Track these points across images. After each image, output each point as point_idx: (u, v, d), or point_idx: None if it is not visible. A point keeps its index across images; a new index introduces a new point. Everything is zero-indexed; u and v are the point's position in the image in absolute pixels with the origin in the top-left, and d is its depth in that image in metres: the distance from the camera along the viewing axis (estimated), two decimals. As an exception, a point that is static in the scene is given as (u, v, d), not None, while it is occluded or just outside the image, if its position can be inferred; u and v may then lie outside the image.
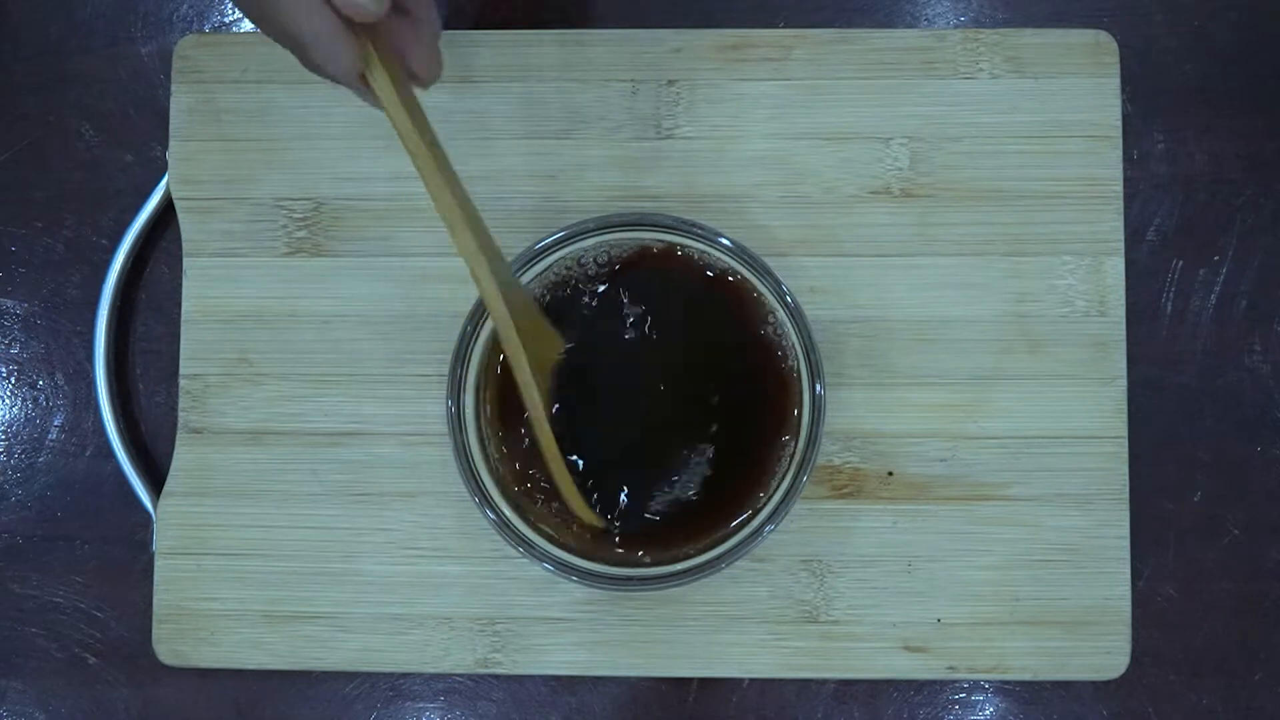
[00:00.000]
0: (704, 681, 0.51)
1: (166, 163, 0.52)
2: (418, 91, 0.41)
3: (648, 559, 0.47)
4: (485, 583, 0.50)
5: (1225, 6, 0.53)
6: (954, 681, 0.51)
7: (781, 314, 0.47)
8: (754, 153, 0.51)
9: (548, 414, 0.44)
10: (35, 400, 0.54)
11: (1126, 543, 0.50)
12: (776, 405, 0.47)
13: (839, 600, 0.50)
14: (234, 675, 0.51)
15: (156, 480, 0.51)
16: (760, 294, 0.47)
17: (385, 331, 0.51)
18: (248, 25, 0.54)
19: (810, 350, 0.46)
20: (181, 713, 0.52)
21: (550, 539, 0.46)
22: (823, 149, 0.51)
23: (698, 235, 0.47)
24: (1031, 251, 0.51)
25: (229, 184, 0.52)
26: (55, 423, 0.53)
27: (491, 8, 0.53)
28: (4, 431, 0.54)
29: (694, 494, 0.47)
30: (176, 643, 0.50)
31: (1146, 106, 0.53)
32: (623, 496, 0.47)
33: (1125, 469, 0.50)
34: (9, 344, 0.54)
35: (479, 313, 0.47)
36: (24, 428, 0.54)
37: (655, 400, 0.47)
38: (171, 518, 0.51)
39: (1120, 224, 0.51)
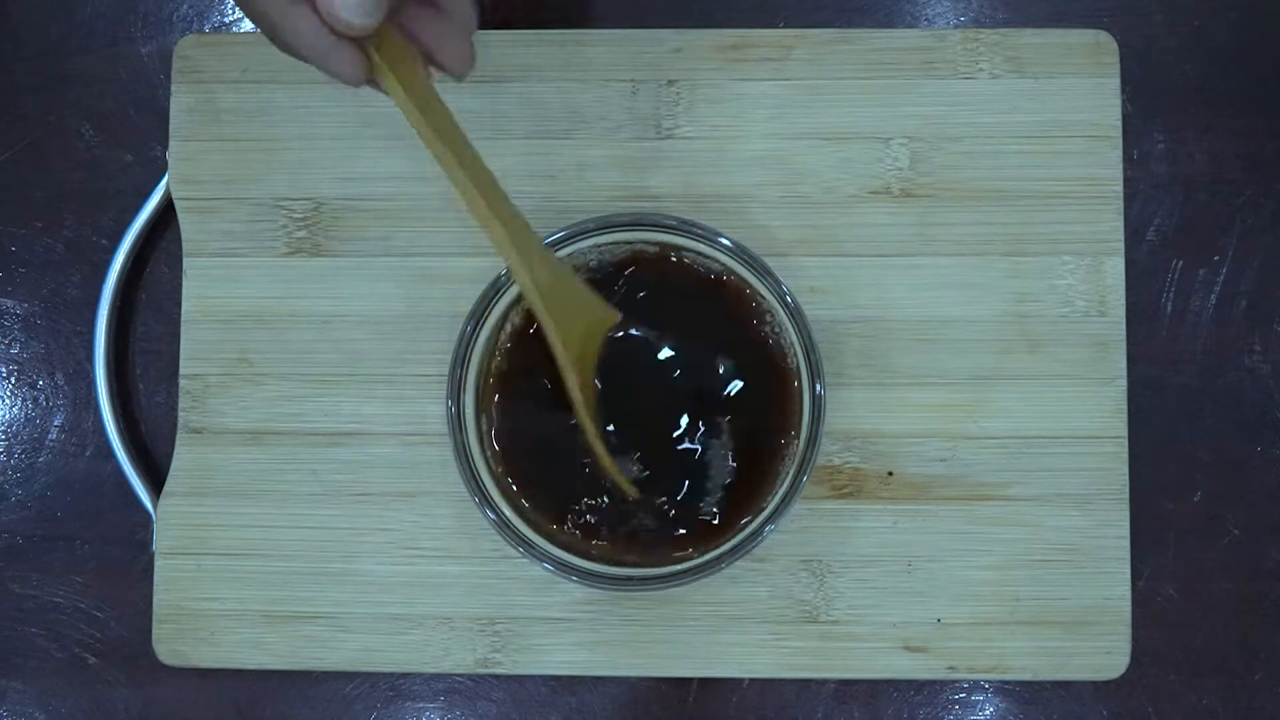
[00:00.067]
0: (704, 681, 0.51)
1: (166, 163, 0.52)
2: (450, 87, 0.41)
3: (644, 559, 0.47)
4: (485, 583, 0.50)
5: (1225, 6, 0.53)
6: (954, 681, 0.51)
7: (781, 314, 0.47)
8: (754, 153, 0.51)
9: (586, 381, 0.45)
10: (35, 400, 0.54)
11: (1126, 543, 0.50)
12: (776, 405, 0.47)
13: (839, 600, 0.50)
14: (234, 675, 0.51)
15: (156, 480, 0.51)
16: (759, 294, 0.47)
17: (385, 331, 0.51)
18: (248, 25, 0.54)
19: (810, 350, 0.46)
20: (181, 713, 0.52)
21: (550, 537, 0.47)
22: (823, 149, 0.51)
23: (698, 235, 0.47)
24: (1031, 251, 0.51)
25: (229, 184, 0.52)
26: (55, 423, 0.53)
27: (491, 8, 0.53)
28: (4, 431, 0.54)
29: (695, 496, 0.47)
30: (176, 643, 0.50)
31: (1146, 106, 0.53)
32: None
33: (1125, 469, 0.50)
34: (9, 344, 0.54)
35: (479, 312, 0.47)
36: (24, 428, 0.54)
37: (654, 400, 0.47)
38: (171, 518, 0.51)
39: (1120, 224, 0.51)
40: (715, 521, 0.47)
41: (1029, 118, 0.51)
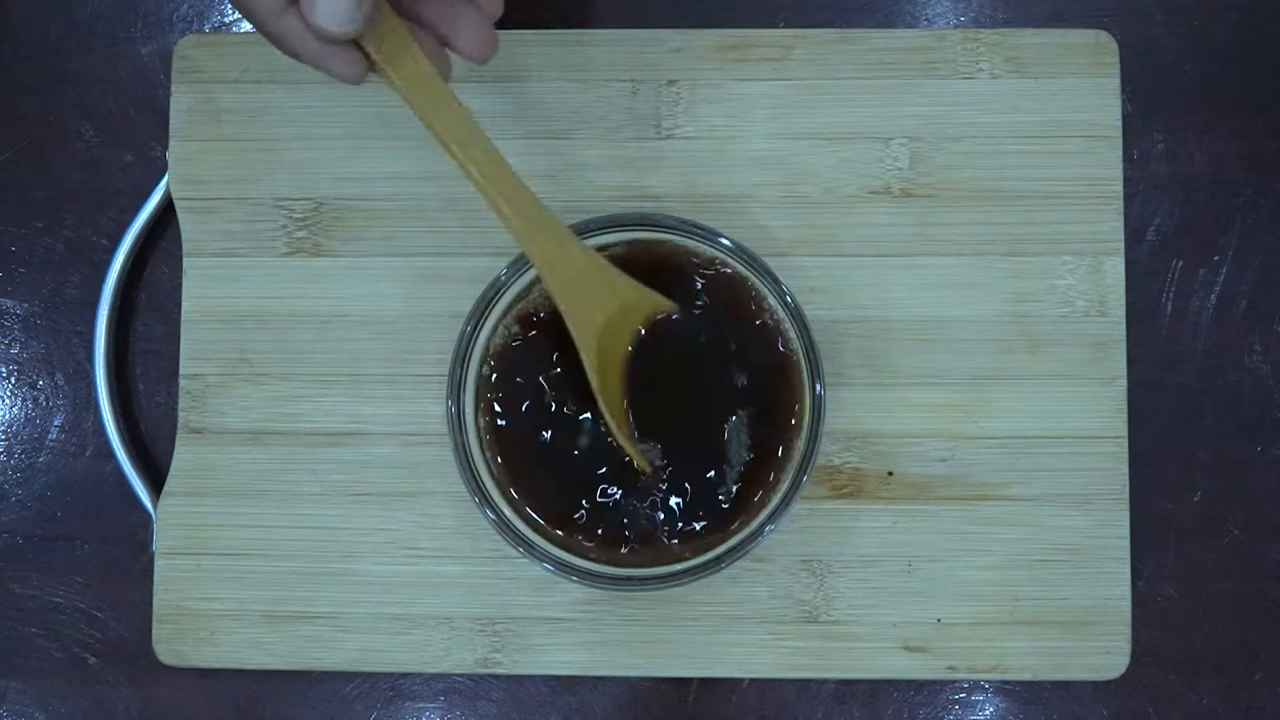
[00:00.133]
0: (704, 681, 0.51)
1: (166, 163, 0.52)
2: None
3: (644, 558, 0.47)
4: (485, 583, 0.50)
5: (1225, 6, 0.53)
6: (954, 681, 0.51)
7: (782, 314, 0.47)
8: (754, 153, 0.51)
9: (606, 363, 0.45)
10: (35, 400, 0.54)
11: (1126, 543, 0.50)
12: (776, 405, 0.47)
13: (839, 600, 0.50)
14: (234, 675, 0.51)
15: (156, 480, 0.51)
16: (760, 294, 0.47)
17: (385, 331, 0.51)
18: (248, 25, 0.54)
19: (810, 350, 0.46)
20: (181, 713, 0.52)
21: (552, 539, 0.47)
22: (823, 149, 0.51)
23: (698, 235, 0.47)
24: (1031, 251, 0.51)
25: (229, 184, 0.52)
26: (55, 423, 0.53)
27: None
28: (4, 431, 0.54)
29: (696, 494, 0.47)
30: (176, 643, 0.50)
31: (1146, 106, 0.53)
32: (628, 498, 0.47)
33: (1125, 469, 0.50)
34: (9, 344, 0.54)
35: (479, 312, 0.47)
36: (24, 428, 0.54)
37: (653, 401, 0.47)
38: (171, 518, 0.51)
39: (1120, 224, 0.51)
40: (715, 522, 0.47)
41: (1029, 118, 0.51)
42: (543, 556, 0.46)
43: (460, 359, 0.46)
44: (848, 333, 0.50)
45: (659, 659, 0.50)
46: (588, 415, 0.47)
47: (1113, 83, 0.51)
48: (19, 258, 0.54)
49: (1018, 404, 0.50)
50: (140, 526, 0.52)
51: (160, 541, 0.51)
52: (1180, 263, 0.52)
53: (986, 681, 0.51)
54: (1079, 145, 0.51)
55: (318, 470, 0.51)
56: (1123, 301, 0.50)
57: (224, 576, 0.50)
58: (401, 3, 0.41)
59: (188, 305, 0.51)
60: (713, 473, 0.46)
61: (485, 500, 0.46)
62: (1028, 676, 0.50)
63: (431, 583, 0.50)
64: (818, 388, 0.46)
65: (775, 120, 0.51)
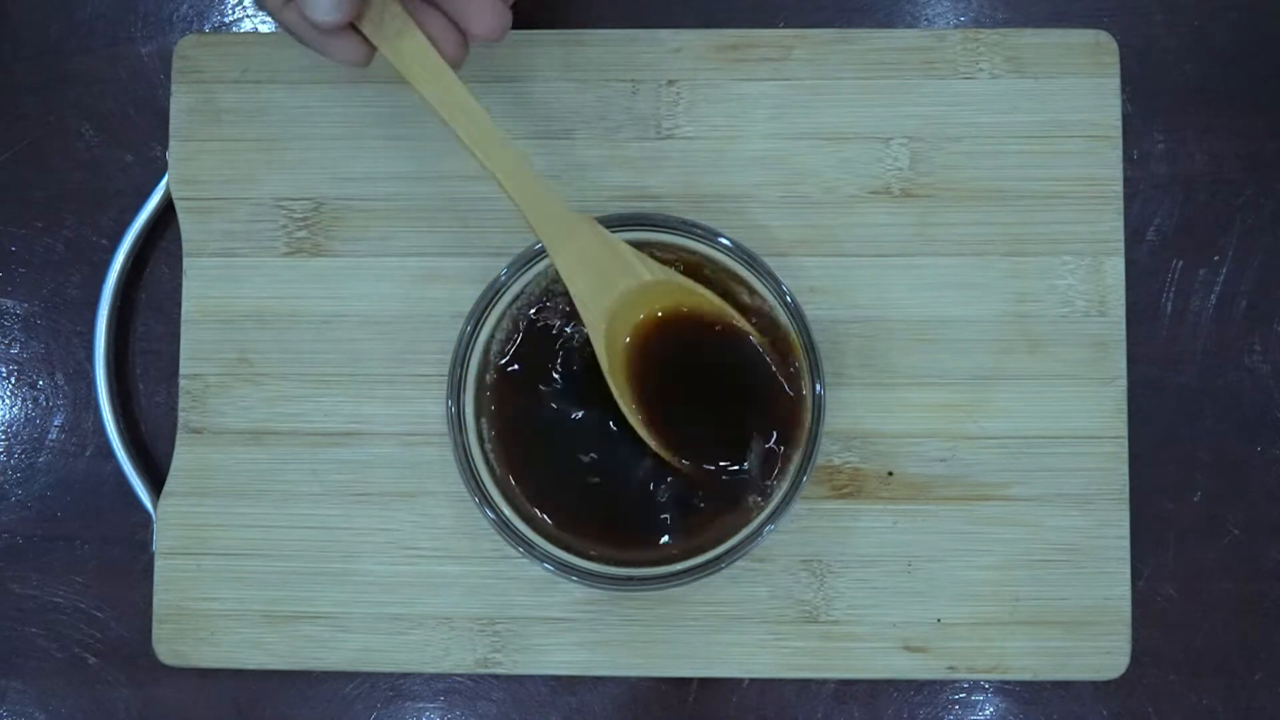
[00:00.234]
0: (704, 681, 0.51)
1: (166, 163, 0.52)
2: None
3: (644, 557, 0.47)
4: (485, 583, 0.50)
5: (1225, 6, 0.53)
6: (954, 681, 0.51)
7: (781, 314, 0.47)
8: (754, 153, 0.51)
9: (607, 343, 0.45)
10: (35, 400, 0.54)
11: (1126, 543, 0.50)
12: (776, 405, 0.47)
13: (839, 600, 0.50)
14: (234, 675, 0.51)
15: (156, 480, 0.51)
16: (759, 293, 0.47)
17: (385, 331, 0.51)
18: (248, 25, 0.54)
19: (810, 350, 0.46)
20: (181, 713, 0.52)
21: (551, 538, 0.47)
22: (823, 149, 0.51)
23: (698, 235, 0.47)
24: (1031, 251, 0.51)
25: (229, 184, 0.52)
26: (55, 423, 0.53)
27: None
28: (4, 431, 0.54)
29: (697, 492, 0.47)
30: (176, 643, 0.50)
31: (1146, 106, 0.53)
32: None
33: (1125, 469, 0.50)
34: (9, 344, 0.54)
35: (479, 312, 0.47)
36: (24, 428, 0.54)
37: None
38: (171, 518, 0.51)
39: (1120, 224, 0.51)
40: (716, 520, 0.47)
41: (1029, 118, 0.51)
42: (543, 556, 0.46)
43: (460, 359, 0.46)
44: (848, 333, 0.50)
45: (659, 659, 0.50)
46: (588, 415, 0.47)
47: (1113, 83, 0.51)
48: (19, 258, 0.54)
49: (1018, 404, 0.50)
50: (140, 526, 0.52)
51: (160, 541, 0.51)
52: (1180, 263, 0.52)
53: (986, 681, 0.51)
54: (1079, 145, 0.51)
55: (318, 470, 0.51)
56: (1123, 301, 0.50)
57: (224, 576, 0.50)
58: None
59: (188, 305, 0.51)
60: (714, 470, 0.46)
61: (485, 500, 0.46)
62: (1028, 676, 0.50)
63: (431, 583, 0.50)
64: (818, 388, 0.46)
65: (775, 120, 0.51)
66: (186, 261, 0.51)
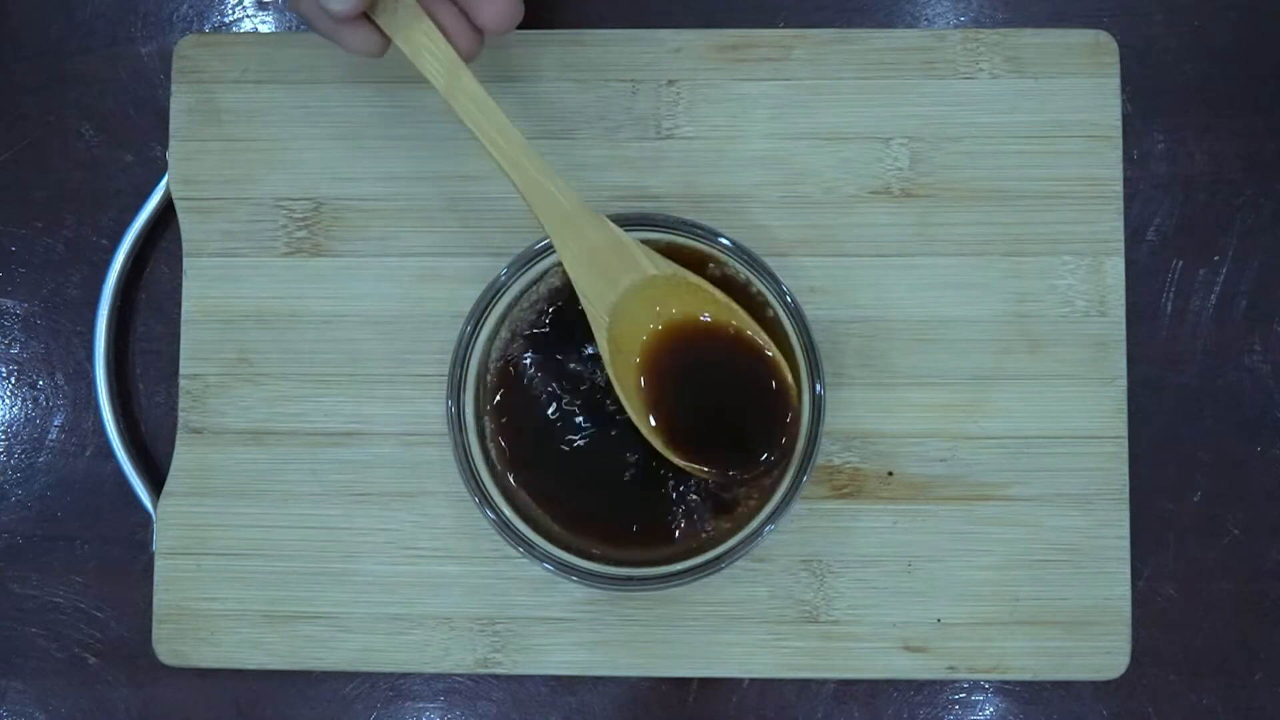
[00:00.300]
0: (704, 681, 0.51)
1: (166, 163, 0.52)
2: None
3: (644, 557, 0.46)
4: (485, 583, 0.50)
5: (1225, 6, 0.53)
6: (954, 681, 0.51)
7: (781, 314, 0.47)
8: (754, 153, 0.51)
9: (619, 346, 0.45)
10: (35, 400, 0.54)
11: (1126, 543, 0.50)
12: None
13: (839, 600, 0.50)
14: (234, 675, 0.51)
15: (156, 480, 0.51)
16: (759, 293, 0.47)
17: (385, 331, 0.51)
18: (248, 25, 0.54)
19: (810, 350, 0.46)
20: (181, 713, 0.52)
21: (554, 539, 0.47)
22: (823, 149, 0.51)
23: (698, 235, 0.47)
24: (1031, 251, 0.51)
25: (229, 184, 0.52)
26: (55, 423, 0.53)
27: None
28: (4, 431, 0.54)
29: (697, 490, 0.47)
30: (176, 643, 0.50)
31: (1146, 106, 0.53)
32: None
33: (1125, 469, 0.50)
34: (9, 344, 0.54)
35: (479, 312, 0.47)
36: (24, 428, 0.54)
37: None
38: (171, 518, 0.51)
39: (1120, 224, 0.51)
40: (716, 520, 0.47)
41: (1029, 118, 0.51)
42: (543, 556, 0.46)
43: (460, 359, 0.46)
44: (848, 333, 0.50)
45: (659, 659, 0.50)
46: (590, 414, 0.47)
47: (1113, 83, 0.51)
48: (19, 258, 0.54)
49: (1018, 404, 0.50)
50: (140, 526, 0.52)
51: (160, 541, 0.51)
52: (1180, 263, 0.52)
53: (986, 681, 0.51)
54: (1079, 145, 0.51)
55: (318, 470, 0.51)
56: (1123, 301, 0.50)
57: (224, 576, 0.50)
58: None
59: (188, 305, 0.51)
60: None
61: (485, 500, 0.46)
62: (1028, 676, 0.50)
63: (431, 583, 0.50)
64: (818, 388, 0.46)
65: (775, 120, 0.51)
66: (186, 261, 0.51)
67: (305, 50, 0.52)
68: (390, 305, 0.51)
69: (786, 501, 0.46)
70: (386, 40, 0.43)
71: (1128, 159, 0.51)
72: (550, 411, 0.47)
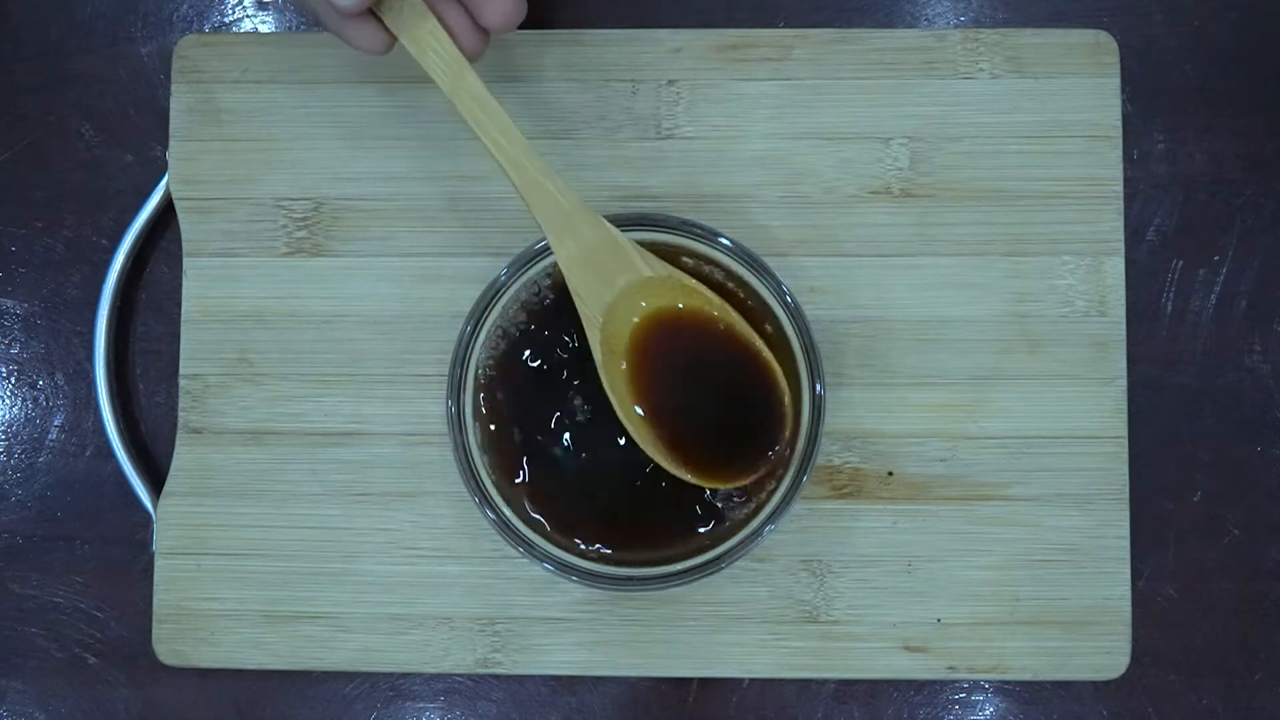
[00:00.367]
0: (704, 681, 0.51)
1: (166, 163, 0.52)
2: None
3: (644, 556, 0.46)
4: (485, 583, 0.50)
5: (1225, 6, 0.53)
6: (954, 681, 0.51)
7: (781, 314, 0.47)
8: (754, 153, 0.51)
9: (611, 347, 0.45)
10: (35, 400, 0.54)
11: (1126, 543, 0.50)
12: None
13: (839, 600, 0.50)
14: (234, 675, 0.51)
15: (156, 480, 0.51)
16: (759, 293, 0.47)
17: (385, 331, 0.51)
18: (248, 25, 0.54)
19: (810, 350, 0.46)
20: (181, 713, 0.52)
21: (556, 542, 0.47)
22: (823, 149, 0.51)
23: (698, 235, 0.47)
24: (1031, 251, 0.51)
25: (229, 184, 0.52)
26: (55, 423, 0.53)
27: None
28: (4, 431, 0.54)
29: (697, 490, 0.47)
30: (176, 643, 0.50)
31: (1146, 106, 0.53)
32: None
33: (1125, 469, 0.50)
34: (9, 344, 0.54)
35: (479, 312, 0.47)
36: (24, 428, 0.54)
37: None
38: (171, 518, 0.51)
39: (1120, 224, 0.51)
40: (715, 520, 0.47)
41: (1029, 118, 0.51)
42: (543, 556, 0.46)
43: (460, 359, 0.46)
44: (848, 333, 0.50)
45: (659, 659, 0.50)
46: (589, 414, 0.47)
47: (1113, 83, 0.51)
48: (19, 258, 0.54)
49: (1018, 404, 0.50)
50: (140, 526, 0.52)
51: (160, 541, 0.51)
52: (1180, 263, 0.52)
53: (986, 681, 0.51)
54: (1079, 145, 0.51)
55: (318, 470, 0.51)
56: (1123, 301, 0.50)
57: (224, 576, 0.50)
58: None
59: (188, 305, 0.51)
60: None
61: (485, 500, 0.46)
62: (1028, 676, 0.50)
63: (431, 583, 0.50)
64: (818, 388, 0.46)
65: (775, 120, 0.51)
66: (186, 261, 0.51)
67: (305, 50, 0.52)
68: (390, 305, 0.51)
69: (786, 501, 0.46)
70: (392, 38, 0.43)
71: (1128, 159, 0.51)
72: (550, 411, 0.47)
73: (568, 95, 0.51)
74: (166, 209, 0.52)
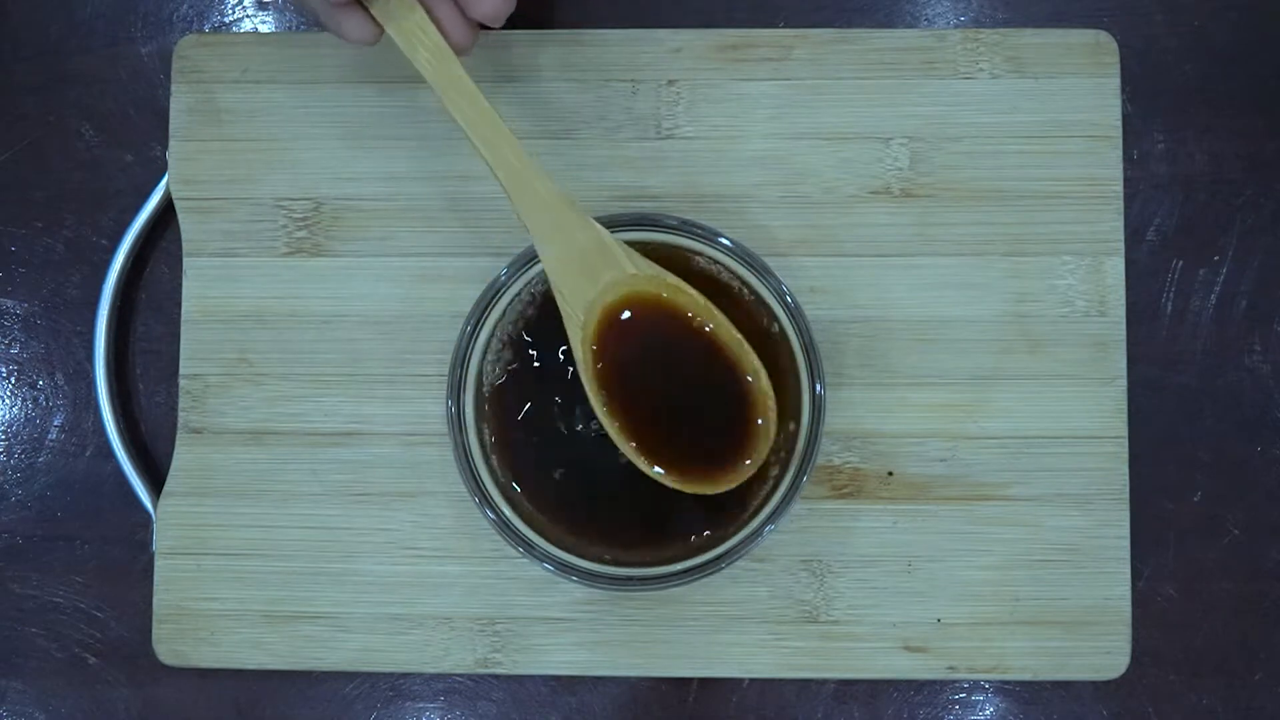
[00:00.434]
0: (704, 681, 0.51)
1: (166, 163, 0.52)
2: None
3: (644, 556, 0.46)
4: (485, 583, 0.50)
5: (1225, 6, 0.53)
6: (954, 681, 0.51)
7: (781, 314, 0.47)
8: (754, 153, 0.51)
9: (587, 343, 0.45)
10: (35, 400, 0.54)
11: (1126, 543, 0.50)
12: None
13: (839, 600, 0.50)
14: (234, 675, 0.51)
15: (156, 480, 0.51)
16: (759, 294, 0.47)
17: (385, 331, 0.51)
18: (248, 25, 0.54)
19: (810, 350, 0.46)
20: (181, 713, 0.52)
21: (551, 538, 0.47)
22: (823, 149, 0.51)
23: (698, 235, 0.47)
24: (1031, 251, 0.51)
25: (229, 184, 0.52)
26: (55, 423, 0.53)
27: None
28: (4, 431, 0.54)
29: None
30: (176, 643, 0.50)
31: (1146, 106, 0.53)
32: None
33: (1125, 469, 0.50)
34: (9, 344, 0.54)
35: (479, 312, 0.47)
36: (24, 428, 0.54)
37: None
38: (171, 518, 0.51)
39: (1120, 224, 0.51)
40: (715, 521, 0.47)
41: (1029, 118, 0.51)
42: (543, 556, 0.46)
43: (460, 359, 0.47)
44: (848, 333, 0.50)
45: (659, 659, 0.50)
46: (589, 413, 0.47)
47: (1113, 83, 0.51)
48: (19, 258, 0.54)
49: (1018, 404, 0.50)
50: (140, 526, 0.52)
51: (160, 541, 0.51)
52: (1180, 263, 0.52)
53: (986, 681, 0.51)
54: (1079, 145, 0.51)
55: (318, 470, 0.51)
56: (1123, 301, 0.50)
57: (224, 576, 0.50)
58: None
59: (188, 305, 0.51)
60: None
61: (485, 500, 0.46)
62: (1028, 676, 0.50)
63: (431, 583, 0.50)
64: (818, 388, 0.46)
65: (775, 120, 0.51)
66: (186, 261, 0.51)
67: (305, 50, 0.52)
68: (390, 305, 0.51)
69: (786, 501, 0.46)
70: (380, 30, 0.43)
71: (1128, 159, 0.51)
72: (550, 411, 0.47)
73: (568, 95, 0.51)
74: (166, 209, 0.52)
